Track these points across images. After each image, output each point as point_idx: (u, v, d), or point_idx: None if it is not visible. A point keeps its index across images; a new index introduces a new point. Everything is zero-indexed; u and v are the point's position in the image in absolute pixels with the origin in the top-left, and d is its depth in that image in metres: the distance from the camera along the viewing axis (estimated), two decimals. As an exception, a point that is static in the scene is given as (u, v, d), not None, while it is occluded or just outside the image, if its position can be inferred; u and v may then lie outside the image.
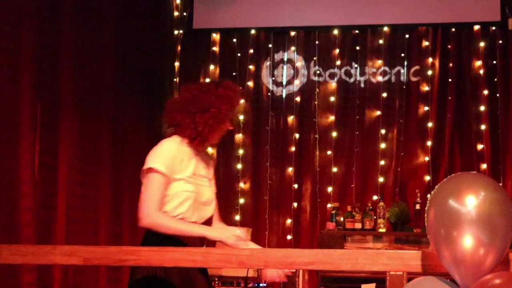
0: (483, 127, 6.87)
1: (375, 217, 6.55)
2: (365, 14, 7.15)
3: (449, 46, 7.08)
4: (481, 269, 2.23)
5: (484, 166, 6.80)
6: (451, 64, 7.05)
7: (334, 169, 7.11)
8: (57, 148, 4.85)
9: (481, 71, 6.96)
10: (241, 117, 7.19)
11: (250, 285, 5.32)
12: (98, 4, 5.60)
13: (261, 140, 7.26)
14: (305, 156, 7.20)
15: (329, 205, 6.96)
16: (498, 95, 6.90)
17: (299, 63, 7.36)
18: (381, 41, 7.22)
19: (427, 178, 6.91)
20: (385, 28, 7.20)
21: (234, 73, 7.36)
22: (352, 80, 7.25)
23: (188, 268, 3.17)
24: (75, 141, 5.10)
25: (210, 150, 3.66)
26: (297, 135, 7.21)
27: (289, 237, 7.04)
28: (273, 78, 7.38)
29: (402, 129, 7.06)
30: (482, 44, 7.01)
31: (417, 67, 7.15)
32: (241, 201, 7.13)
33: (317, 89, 7.27)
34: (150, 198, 3.21)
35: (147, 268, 3.17)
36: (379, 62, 7.20)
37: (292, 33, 7.36)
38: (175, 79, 7.34)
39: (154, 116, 6.79)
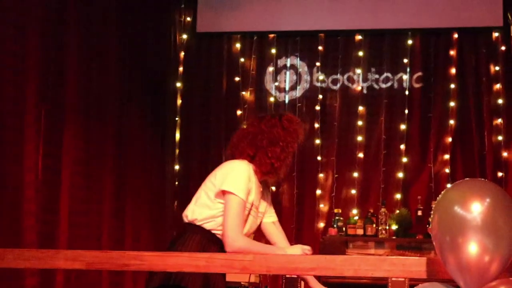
0: (485, 134, 6.85)
1: (377, 224, 6.54)
2: (368, 18, 7.13)
3: (452, 52, 7.05)
4: (486, 276, 2.22)
5: (486, 173, 6.78)
6: (453, 70, 7.03)
7: (336, 175, 7.09)
8: (60, 152, 4.85)
9: (484, 78, 6.95)
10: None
11: (252, 290, 5.31)
12: (103, 9, 5.61)
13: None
14: (308, 162, 7.18)
15: (331, 211, 6.94)
16: (501, 101, 6.88)
17: (302, 69, 7.35)
18: (383, 48, 7.20)
19: (430, 185, 6.88)
20: (388, 35, 7.19)
21: (237, 79, 7.35)
22: (354, 86, 7.24)
23: (209, 274, 3.17)
24: (78, 145, 5.10)
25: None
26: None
27: (291, 242, 7.00)
28: (276, 84, 7.37)
29: (405, 136, 7.04)
30: (485, 50, 6.99)
31: (419, 74, 7.13)
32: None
33: (320, 95, 7.25)
34: (235, 224, 3.23)
35: (164, 275, 3.16)
36: (382, 68, 7.19)
37: (296, 39, 7.35)
38: (178, 84, 7.34)
39: (158, 121, 6.82)
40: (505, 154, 6.80)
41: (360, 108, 7.16)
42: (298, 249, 3.31)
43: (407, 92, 7.11)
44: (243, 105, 7.28)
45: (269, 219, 3.57)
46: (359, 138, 7.10)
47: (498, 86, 6.93)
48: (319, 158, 7.14)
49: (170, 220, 6.93)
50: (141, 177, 6.29)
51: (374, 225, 6.53)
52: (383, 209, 6.58)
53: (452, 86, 7.00)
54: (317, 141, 7.15)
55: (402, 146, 7.02)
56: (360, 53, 7.22)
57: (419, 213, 6.61)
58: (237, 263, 2.77)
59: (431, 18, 7.05)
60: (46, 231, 4.60)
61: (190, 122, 7.39)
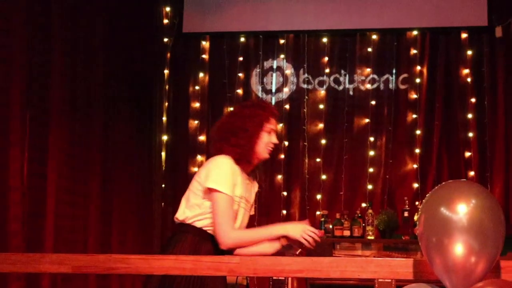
0: (470, 134, 6.89)
1: (363, 225, 6.57)
2: (354, 19, 7.16)
3: (437, 54, 7.09)
4: (472, 277, 2.23)
5: (471, 173, 6.81)
6: (439, 72, 7.07)
7: (323, 177, 7.10)
8: (46, 156, 4.82)
9: (469, 79, 6.98)
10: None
11: (239, 292, 5.30)
12: (88, 13, 5.59)
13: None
14: (294, 164, 7.19)
15: (318, 213, 6.96)
16: (485, 102, 6.92)
17: (288, 70, 7.36)
18: (369, 49, 7.23)
19: (415, 185, 6.91)
20: (374, 36, 7.21)
21: (224, 81, 7.35)
22: (341, 87, 7.26)
23: (206, 277, 3.16)
24: (64, 150, 5.08)
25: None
26: (286, 143, 7.21)
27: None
28: (263, 86, 7.38)
29: (391, 137, 7.07)
30: (469, 52, 7.02)
31: (405, 75, 7.16)
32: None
33: (306, 97, 7.27)
34: (224, 221, 3.25)
35: (161, 278, 3.17)
36: (368, 70, 7.21)
37: (282, 41, 7.36)
38: (165, 87, 7.32)
39: (144, 123, 6.80)
40: (490, 154, 6.83)
41: (346, 109, 7.17)
42: (298, 230, 3.29)
43: (393, 93, 7.14)
44: (230, 106, 7.27)
45: (251, 210, 3.56)
46: (345, 140, 7.12)
47: (483, 86, 6.96)
48: (305, 159, 7.15)
49: (157, 223, 6.91)
50: (127, 180, 6.28)
51: (361, 227, 6.55)
52: (369, 211, 6.62)
53: (437, 87, 7.03)
54: (304, 143, 7.16)
55: (388, 147, 7.03)
56: (346, 55, 7.25)
57: (406, 214, 6.65)
58: (224, 266, 2.77)
59: (417, 17, 7.07)
60: (32, 235, 4.57)
61: (178, 124, 7.38)
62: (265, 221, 7.04)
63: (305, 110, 7.23)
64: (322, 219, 6.71)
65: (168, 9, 7.43)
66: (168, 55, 7.43)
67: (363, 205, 6.88)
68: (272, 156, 7.02)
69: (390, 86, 7.16)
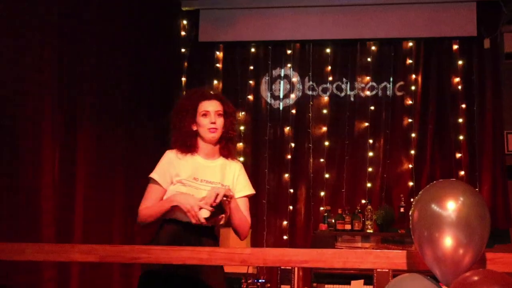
0: (461, 137, 6.88)
1: (363, 219, 6.57)
2: (355, 29, 7.14)
3: (431, 63, 7.09)
4: (460, 267, 2.24)
5: (462, 173, 6.80)
6: (432, 80, 7.07)
7: (326, 175, 7.11)
8: (75, 156, 4.87)
9: (460, 86, 6.98)
10: (242, 128, 7.22)
11: (250, 281, 5.33)
12: (113, 28, 5.64)
13: (260, 149, 7.28)
14: (300, 163, 7.20)
15: (321, 208, 6.96)
16: (475, 108, 6.92)
17: (295, 78, 7.37)
18: (369, 59, 7.23)
19: (411, 183, 6.91)
20: (373, 47, 7.22)
21: (236, 88, 7.37)
22: (343, 94, 7.26)
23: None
24: (91, 150, 5.12)
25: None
26: (292, 144, 7.22)
27: (285, 237, 7.04)
28: (271, 92, 7.39)
29: (388, 139, 7.07)
30: (460, 62, 7.02)
31: (401, 83, 7.16)
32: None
33: (311, 103, 7.28)
34: (142, 201, 3.37)
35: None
36: (368, 78, 7.21)
37: (289, 51, 7.37)
38: (183, 93, 7.34)
39: (163, 126, 6.82)
40: (479, 155, 6.82)
41: (348, 114, 7.18)
42: (187, 204, 3.18)
43: (390, 99, 7.15)
44: (241, 111, 7.30)
45: (236, 194, 3.45)
46: (347, 142, 7.13)
47: (472, 93, 6.96)
48: (310, 160, 7.16)
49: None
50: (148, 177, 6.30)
51: (361, 221, 6.56)
52: (368, 207, 6.62)
53: (431, 93, 7.03)
54: (309, 145, 7.18)
55: (386, 148, 7.04)
56: (348, 65, 7.25)
57: (402, 210, 6.64)
58: (237, 256, 2.79)
59: (412, 28, 7.07)
60: (63, 228, 4.61)
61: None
62: (273, 215, 7.09)
63: (310, 114, 7.24)
64: (325, 214, 6.73)
65: (185, 22, 7.47)
66: (185, 64, 7.47)
67: (363, 201, 6.88)
68: (280, 156, 7.10)
69: (388, 93, 7.16)
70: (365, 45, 7.25)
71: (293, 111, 7.31)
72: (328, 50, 7.32)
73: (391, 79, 7.17)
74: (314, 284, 6.17)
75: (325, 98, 7.28)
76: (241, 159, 7.19)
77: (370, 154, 7.06)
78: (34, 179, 4.25)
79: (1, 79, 3.93)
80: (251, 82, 7.39)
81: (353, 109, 7.20)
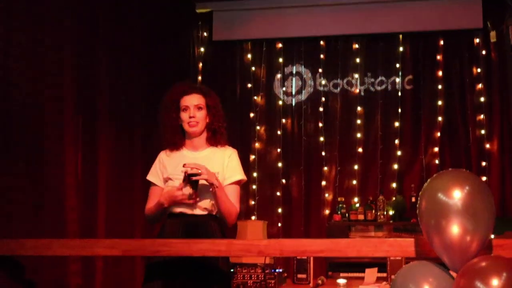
0: (470, 128, 6.87)
1: (375, 210, 6.58)
2: (364, 24, 7.12)
3: (438, 57, 7.06)
4: (468, 254, 2.25)
5: (471, 163, 6.79)
6: (440, 73, 7.05)
7: (339, 168, 7.13)
8: (96, 156, 4.92)
9: (467, 79, 6.96)
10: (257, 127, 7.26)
11: (267, 271, 5.36)
12: (130, 32, 5.67)
13: (274, 144, 7.31)
14: (314, 157, 7.22)
15: (335, 199, 6.99)
16: (482, 100, 6.90)
17: (306, 75, 7.39)
18: (378, 54, 7.23)
19: (422, 174, 6.91)
20: (381, 42, 7.21)
21: (249, 85, 7.40)
22: (353, 89, 7.27)
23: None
24: (111, 150, 5.15)
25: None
26: (305, 139, 7.24)
27: (301, 228, 7.07)
28: (284, 89, 7.41)
29: (399, 132, 7.07)
30: (467, 54, 7.00)
31: (410, 77, 7.15)
32: (257, 198, 7.16)
33: (323, 98, 7.29)
34: (146, 203, 3.52)
35: None
36: (377, 72, 7.22)
37: (300, 49, 7.38)
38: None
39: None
40: (487, 146, 6.82)
41: (359, 108, 7.19)
42: (168, 198, 3.32)
43: (399, 93, 7.13)
44: (255, 108, 7.33)
45: (225, 181, 3.41)
46: (358, 135, 7.13)
47: (480, 86, 6.94)
48: (323, 153, 7.18)
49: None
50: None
51: (373, 211, 6.58)
52: (381, 197, 6.64)
53: (439, 87, 7.02)
54: (321, 139, 7.19)
55: (397, 141, 7.04)
56: (358, 60, 7.25)
57: (413, 199, 6.65)
58: (254, 247, 2.82)
59: (419, 23, 7.03)
60: (86, 224, 4.67)
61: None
62: (288, 208, 7.12)
63: (321, 110, 7.25)
64: (339, 205, 6.76)
65: (199, 23, 7.49)
66: (200, 64, 7.50)
67: (375, 192, 6.89)
68: (294, 150, 7.11)
69: (397, 87, 7.14)
70: (374, 40, 7.24)
71: (305, 107, 7.31)
72: (338, 47, 7.31)
73: (400, 73, 7.15)
74: (330, 273, 6.20)
75: (336, 93, 7.27)
76: (254, 155, 7.22)
77: (381, 146, 7.06)
78: (58, 180, 4.30)
79: (22, 82, 3.98)
80: (264, 79, 7.41)
81: (363, 104, 7.20)
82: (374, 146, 7.10)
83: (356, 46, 7.28)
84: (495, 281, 2.06)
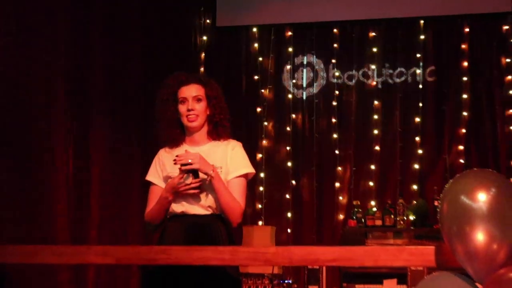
0: (497, 125, 6.86)
1: (394, 215, 6.55)
2: (381, 8, 7.13)
3: (463, 46, 7.05)
4: (495, 263, 2.22)
5: (499, 163, 6.78)
6: (465, 64, 7.03)
7: (354, 168, 7.13)
8: (89, 154, 4.94)
9: (495, 70, 6.95)
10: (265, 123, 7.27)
11: (275, 281, 5.37)
12: (126, 21, 5.69)
13: (282, 141, 7.31)
14: (326, 156, 7.22)
15: (350, 203, 6.99)
16: (511, 93, 6.88)
17: (318, 66, 7.39)
18: (397, 43, 7.22)
19: (445, 175, 6.89)
20: (400, 29, 7.19)
21: (256, 77, 7.40)
22: (369, 81, 7.26)
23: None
24: (105, 147, 5.18)
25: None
26: (317, 135, 7.24)
27: (312, 234, 7.07)
28: (294, 81, 7.42)
29: (420, 129, 7.06)
30: (495, 43, 6.98)
31: (432, 67, 7.14)
32: (265, 201, 7.17)
33: (336, 91, 7.28)
34: (146, 207, 3.50)
35: None
36: (396, 63, 7.21)
37: (311, 37, 7.38)
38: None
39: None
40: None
41: (376, 102, 7.18)
42: (171, 190, 3.32)
43: (420, 86, 7.12)
44: (262, 102, 7.34)
45: (227, 177, 3.38)
46: (375, 132, 7.13)
47: (509, 77, 6.92)
48: (337, 151, 7.18)
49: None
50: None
51: (392, 216, 6.56)
52: (400, 200, 6.62)
53: (464, 79, 7.00)
54: (335, 136, 7.19)
55: (417, 139, 7.04)
56: (374, 49, 7.24)
57: (436, 203, 6.62)
58: (261, 255, 2.81)
59: (441, 6, 7.02)
60: (78, 226, 4.69)
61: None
62: (298, 212, 7.12)
63: (335, 104, 7.25)
64: (354, 209, 6.74)
65: (202, 9, 7.50)
66: (203, 54, 7.51)
67: (394, 195, 6.88)
68: (304, 149, 7.12)
69: (418, 79, 7.13)
70: (393, 28, 7.23)
71: (318, 100, 7.32)
72: (353, 35, 7.31)
73: (421, 64, 7.14)
74: (344, 284, 6.19)
75: (351, 86, 7.27)
76: (261, 154, 7.22)
77: (400, 144, 7.05)
78: (49, 180, 4.33)
79: (9, 77, 4.00)
80: (271, 71, 7.41)
81: (381, 97, 7.20)
82: (393, 144, 7.09)
83: (373, 33, 7.28)
84: (524, 293, 2.06)
